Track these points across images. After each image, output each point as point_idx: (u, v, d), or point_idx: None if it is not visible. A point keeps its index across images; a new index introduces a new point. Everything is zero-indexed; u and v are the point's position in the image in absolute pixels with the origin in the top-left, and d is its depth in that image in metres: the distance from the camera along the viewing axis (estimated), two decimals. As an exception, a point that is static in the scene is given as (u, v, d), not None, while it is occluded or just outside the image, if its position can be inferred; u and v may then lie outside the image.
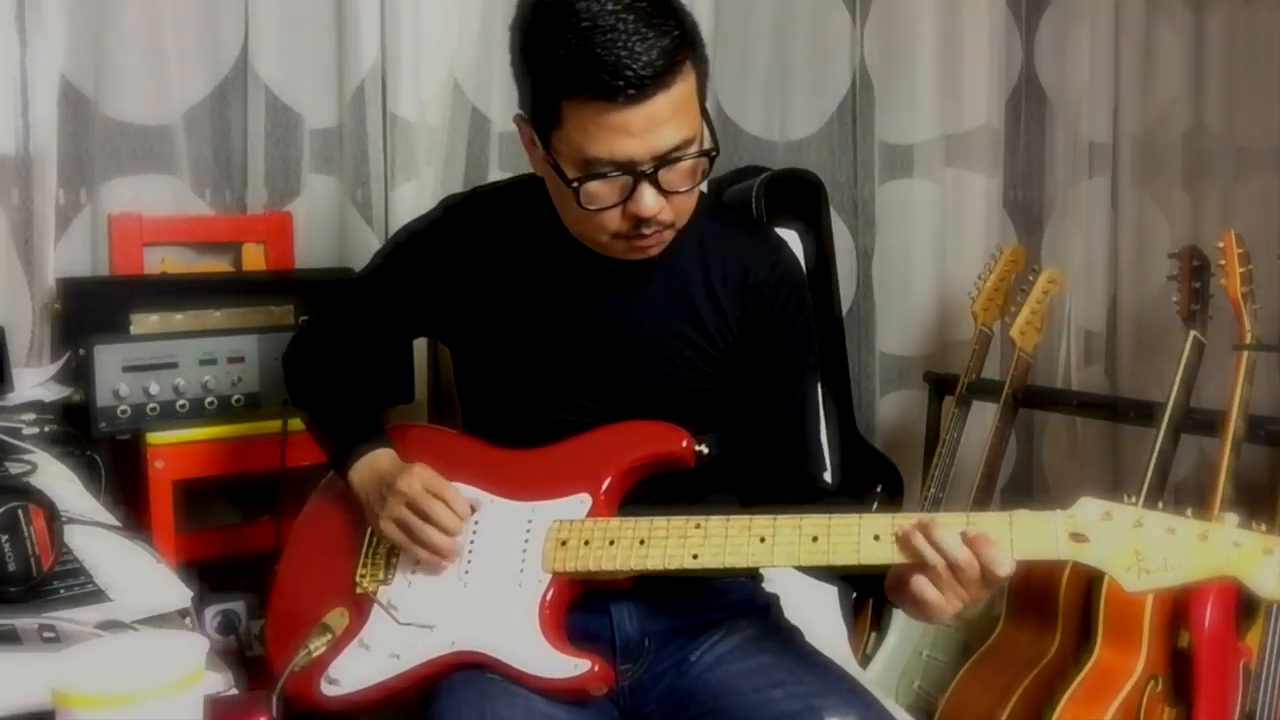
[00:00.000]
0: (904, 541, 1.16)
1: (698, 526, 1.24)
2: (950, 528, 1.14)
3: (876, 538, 1.18)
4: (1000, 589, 1.20)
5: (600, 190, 1.22)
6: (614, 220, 1.24)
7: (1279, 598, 1.11)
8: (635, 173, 1.19)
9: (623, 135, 1.17)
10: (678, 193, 1.23)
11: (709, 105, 1.26)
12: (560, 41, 1.16)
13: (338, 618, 1.31)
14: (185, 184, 2.15)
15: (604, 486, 1.32)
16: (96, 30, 2.04)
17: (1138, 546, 1.12)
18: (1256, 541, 1.10)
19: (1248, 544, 1.10)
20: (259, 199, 2.21)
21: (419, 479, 1.33)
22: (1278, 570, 1.08)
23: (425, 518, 1.31)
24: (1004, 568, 1.12)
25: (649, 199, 1.21)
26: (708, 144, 1.24)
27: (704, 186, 2.50)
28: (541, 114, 1.22)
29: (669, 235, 1.29)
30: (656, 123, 1.17)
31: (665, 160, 1.20)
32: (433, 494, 1.32)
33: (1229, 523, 1.11)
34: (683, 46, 1.18)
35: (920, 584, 1.14)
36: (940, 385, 2.79)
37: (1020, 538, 1.14)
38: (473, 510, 1.34)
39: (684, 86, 1.18)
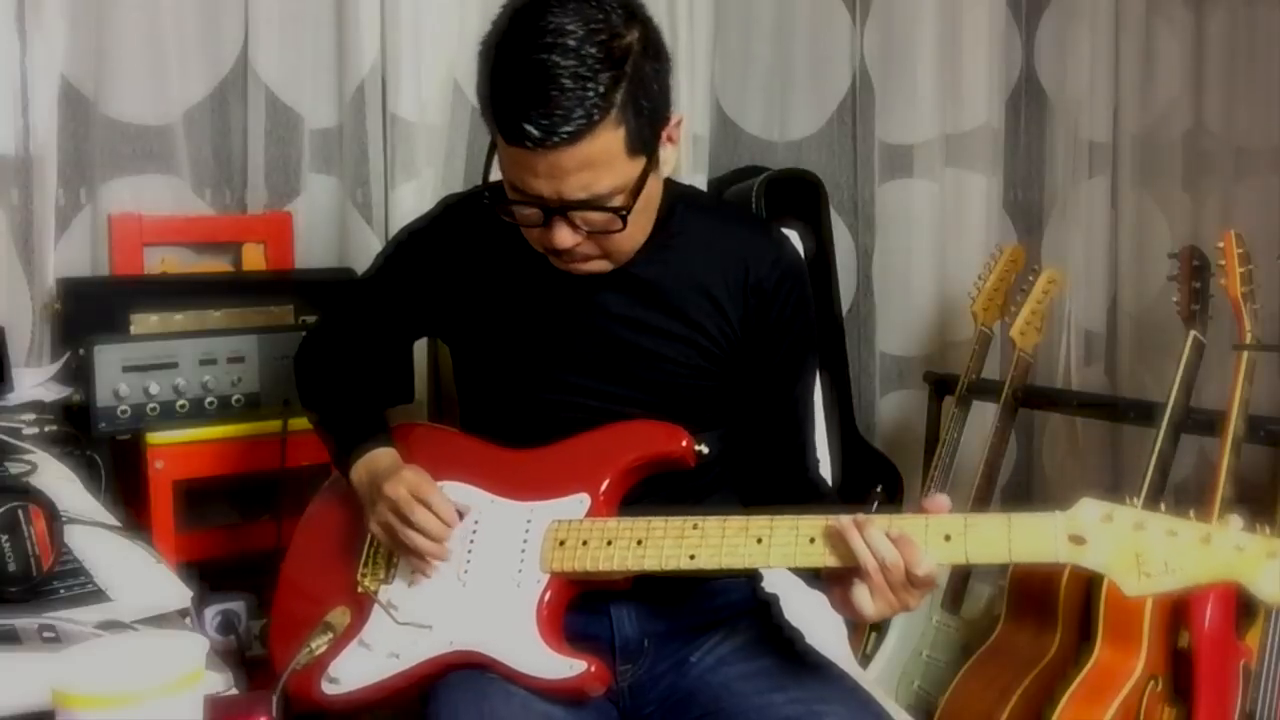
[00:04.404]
0: (836, 539, 1.15)
1: (695, 527, 1.23)
2: (878, 527, 1.13)
3: None
4: (929, 593, 1.18)
5: (523, 211, 1.24)
6: (539, 240, 1.27)
7: None
8: (545, 208, 1.21)
9: (529, 174, 1.19)
10: (598, 232, 1.23)
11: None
12: (493, 73, 1.19)
13: (339, 616, 1.31)
14: (185, 184, 2.15)
15: (603, 487, 1.32)
16: (96, 30, 2.04)
17: (1138, 549, 1.09)
18: (1260, 545, 1.07)
19: (1251, 548, 1.07)
20: (259, 199, 2.21)
21: (405, 483, 1.33)
22: None
23: (408, 523, 1.31)
24: (922, 568, 1.12)
25: (559, 234, 1.22)
26: (619, 202, 1.20)
27: (704, 185, 2.54)
28: (491, 128, 1.24)
29: (602, 264, 1.29)
30: (561, 171, 1.17)
31: (576, 204, 1.20)
32: (418, 499, 1.31)
33: (1232, 525, 1.08)
34: (604, 106, 1.15)
35: (858, 593, 1.14)
36: (940, 385, 2.79)
37: (1019, 539, 1.13)
38: (461, 516, 1.34)
39: (597, 143, 1.16)
